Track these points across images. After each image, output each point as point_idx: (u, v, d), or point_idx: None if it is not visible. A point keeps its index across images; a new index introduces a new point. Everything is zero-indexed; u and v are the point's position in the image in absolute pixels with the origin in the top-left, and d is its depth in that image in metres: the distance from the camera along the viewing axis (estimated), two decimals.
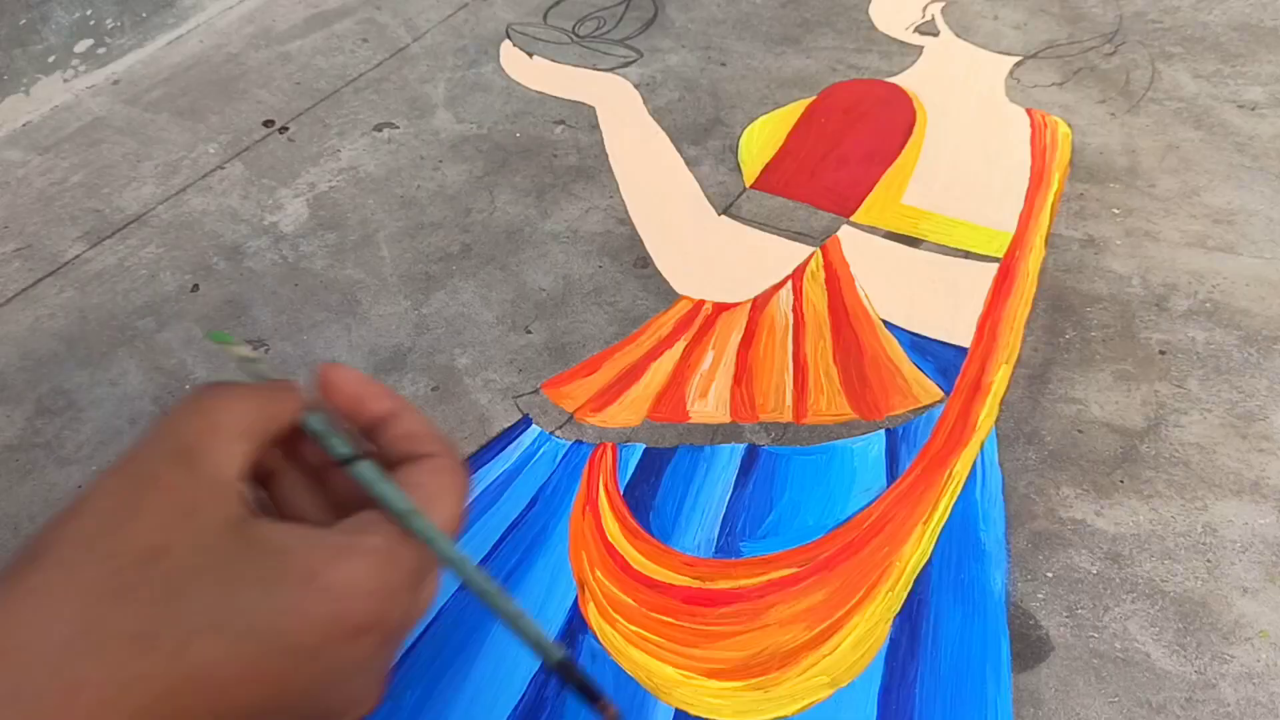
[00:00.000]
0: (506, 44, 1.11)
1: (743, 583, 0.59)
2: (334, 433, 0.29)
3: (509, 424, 0.69)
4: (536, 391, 0.71)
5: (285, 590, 0.25)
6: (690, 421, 0.68)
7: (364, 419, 0.30)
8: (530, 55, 1.09)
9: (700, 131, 0.96)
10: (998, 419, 0.67)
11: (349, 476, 0.28)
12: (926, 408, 0.68)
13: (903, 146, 0.92)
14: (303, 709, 0.26)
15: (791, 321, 0.75)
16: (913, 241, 0.82)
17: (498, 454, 0.66)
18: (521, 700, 0.53)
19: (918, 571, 0.58)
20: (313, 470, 0.30)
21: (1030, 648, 0.55)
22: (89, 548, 0.24)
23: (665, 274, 0.80)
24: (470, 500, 0.28)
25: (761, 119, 0.97)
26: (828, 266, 0.80)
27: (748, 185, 0.89)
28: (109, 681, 0.23)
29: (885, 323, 0.74)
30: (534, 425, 0.68)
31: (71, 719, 0.22)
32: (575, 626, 0.57)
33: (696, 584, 0.59)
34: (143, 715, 0.23)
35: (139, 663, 0.23)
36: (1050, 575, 0.58)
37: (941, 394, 0.69)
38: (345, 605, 0.25)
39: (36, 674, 0.22)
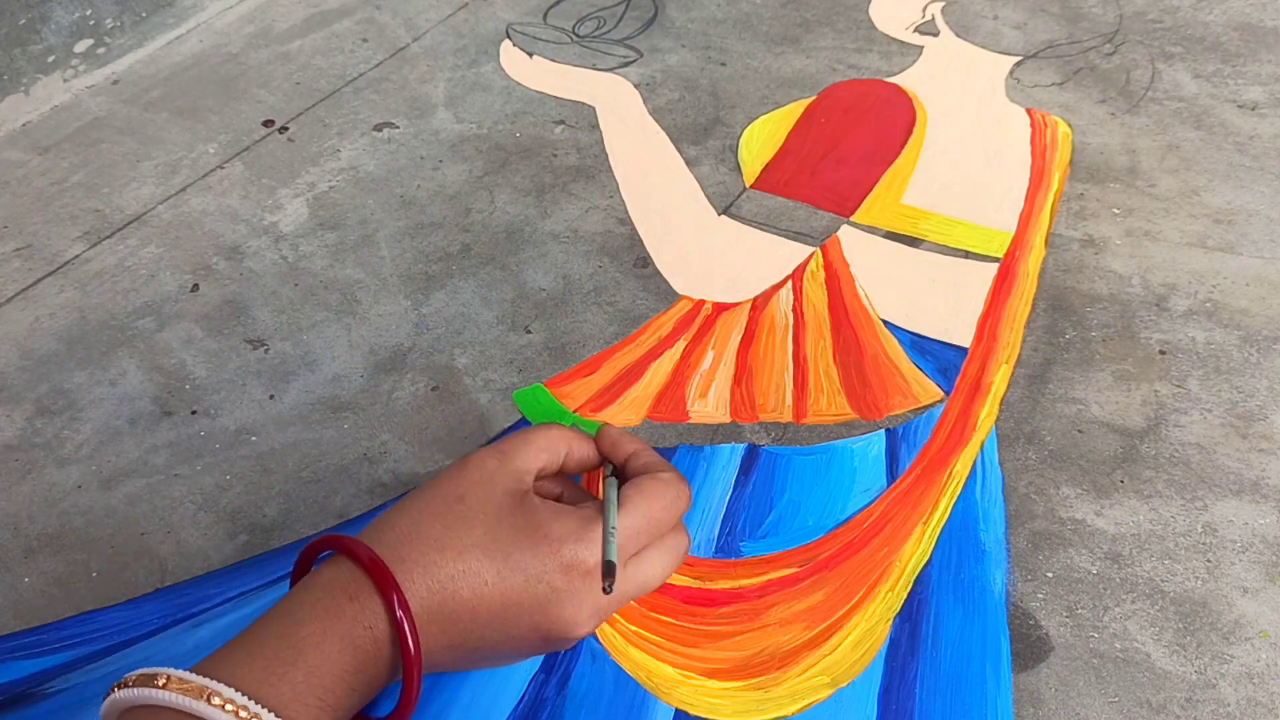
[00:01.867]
0: (506, 44, 1.11)
1: (743, 582, 0.58)
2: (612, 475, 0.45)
3: (509, 424, 0.69)
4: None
5: (524, 534, 0.39)
6: (690, 421, 0.68)
7: (617, 458, 0.46)
8: (530, 55, 1.09)
9: (700, 131, 0.96)
10: (998, 419, 0.67)
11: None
12: (926, 408, 0.68)
13: (903, 146, 0.92)
14: (531, 621, 0.39)
15: (791, 321, 0.75)
16: (913, 241, 0.82)
17: None
18: (521, 700, 0.53)
19: (918, 571, 0.58)
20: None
21: (1030, 648, 0.55)
22: (433, 488, 0.41)
23: (665, 274, 0.80)
24: (687, 508, 0.44)
25: (761, 119, 0.97)
26: (828, 266, 0.80)
27: (747, 185, 0.89)
28: (417, 560, 0.38)
29: (885, 322, 0.74)
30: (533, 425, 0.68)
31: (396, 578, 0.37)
32: None
33: (696, 584, 0.59)
34: (435, 589, 0.38)
35: (435, 555, 0.38)
36: (1050, 575, 0.58)
37: (941, 394, 0.69)
38: (558, 544, 0.39)
39: (390, 547, 0.38)
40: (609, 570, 0.38)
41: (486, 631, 0.38)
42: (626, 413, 0.69)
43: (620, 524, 0.40)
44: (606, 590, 0.38)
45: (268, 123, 1.00)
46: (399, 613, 0.36)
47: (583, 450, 0.45)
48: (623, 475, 0.45)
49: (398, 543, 0.38)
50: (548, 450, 0.43)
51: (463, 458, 0.41)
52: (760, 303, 0.77)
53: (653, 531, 0.41)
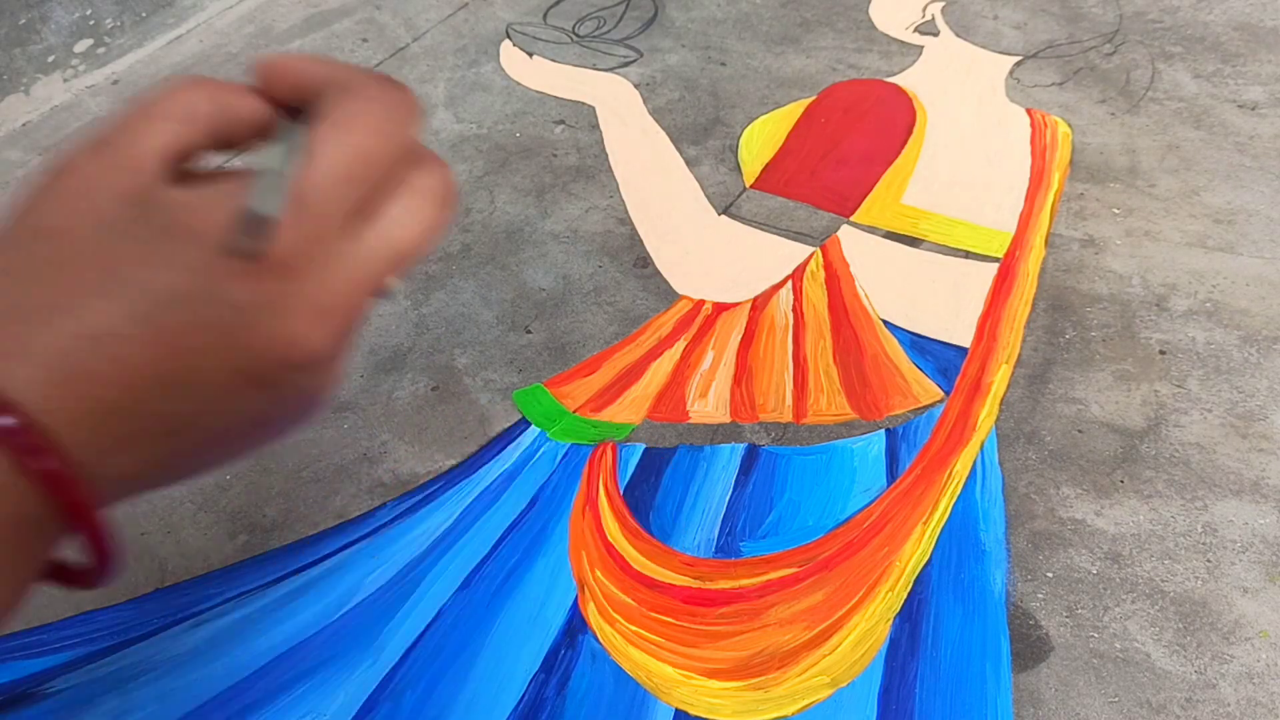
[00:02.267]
0: (506, 44, 1.11)
1: (742, 582, 0.58)
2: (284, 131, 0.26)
3: (509, 424, 0.69)
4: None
5: (172, 243, 0.24)
6: (690, 421, 0.68)
7: (308, 84, 0.28)
8: (530, 55, 1.09)
9: (700, 131, 0.96)
10: (998, 419, 0.67)
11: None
12: (926, 407, 0.68)
13: (903, 146, 0.92)
14: (234, 360, 0.25)
15: (791, 321, 0.75)
16: (913, 241, 0.82)
17: (497, 454, 0.66)
18: (521, 700, 0.53)
19: (918, 571, 0.58)
20: None
21: (1030, 648, 0.55)
22: (7, 228, 0.24)
23: (665, 274, 0.80)
24: (414, 122, 0.27)
25: (761, 119, 0.97)
26: (828, 266, 0.80)
27: (748, 185, 0.89)
28: (12, 346, 0.23)
29: (885, 322, 0.74)
30: (533, 425, 0.68)
31: None
32: (575, 626, 0.57)
33: (696, 584, 0.59)
34: (56, 378, 0.23)
35: (36, 331, 0.23)
36: (1050, 575, 0.58)
37: (941, 394, 0.69)
38: (203, 237, 0.24)
39: None
40: (254, 224, 0.23)
41: (166, 407, 0.24)
42: (626, 413, 0.69)
43: (305, 169, 0.24)
44: (256, 250, 0.23)
45: None
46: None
47: (243, 102, 0.27)
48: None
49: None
50: (177, 118, 0.26)
51: (55, 167, 0.25)
52: (760, 303, 0.77)
53: (369, 168, 0.25)
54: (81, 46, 1.05)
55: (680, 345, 0.74)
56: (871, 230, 0.83)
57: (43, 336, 0.23)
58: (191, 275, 0.24)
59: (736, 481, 0.64)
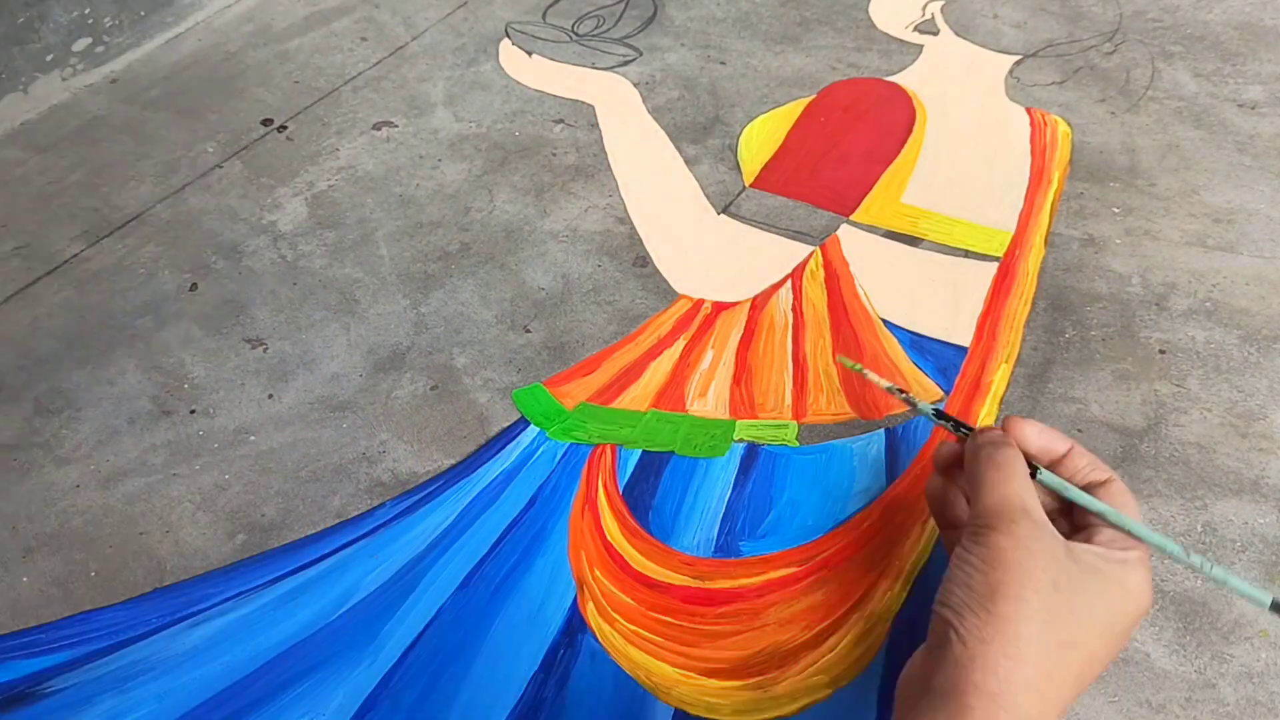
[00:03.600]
0: (505, 42, 1.11)
1: (742, 582, 0.58)
2: (1065, 481, 0.44)
3: (508, 423, 0.68)
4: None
5: (1115, 598, 0.39)
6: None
7: (1052, 458, 0.45)
8: (529, 54, 1.09)
9: (700, 130, 0.96)
10: (997, 418, 0.67)
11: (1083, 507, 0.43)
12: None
13: (902, 145, 0.92)
14: (1109, 662, 0.40)
15: (791, 320, 0.75)
16: (912, 240, 0.82)
17: (497, 453, 0.66)
18: (521, 700, 0.53)
19: (917, 571, 0.58)
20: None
21: None
22: (1028, 584, 0.38)
23: (664, 273, 0.80)
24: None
25: (761, 118, 0.97)
26: (827, 265, 0.80)
27: (747, 184, 0.89)
28: (1062, 670, 0.37)
29: (885, 322, 0.74)
30: (533, 424, 0.68)
31: (1049, 691, 0.36)
32: (575, 626, 0.56)
33: (696, 583, 0.58)
34: (1074, 684, 0.37)
35: (1071, 654, 0.37)
36: None
37: (941, 393, 0.69)
38: (1139, 600, 0.40)
39: (1030, 665, 0.37)
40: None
41: (1097, 673, 0.41)
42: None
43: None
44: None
45: (266, 121, 1.00)
46: None
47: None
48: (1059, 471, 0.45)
49: (1041, 658, 0.36)
50: (1031, 485, 0.43)
51: (1007, 533, 0.40)
52: (760, 302, 0.77)
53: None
54: (80, 45, 1.05)
55: (680, 344, 0.73)
56: (871, 229, 0.83)
57: (1077, 657, 0.38)
58: (1128, 621, 0.40)
59: (736, 481, 0.64)
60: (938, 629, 0.40)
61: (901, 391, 0.47)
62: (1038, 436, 0.45)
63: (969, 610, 0.39)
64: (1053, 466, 0.45)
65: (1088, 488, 0.43)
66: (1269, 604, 0.40)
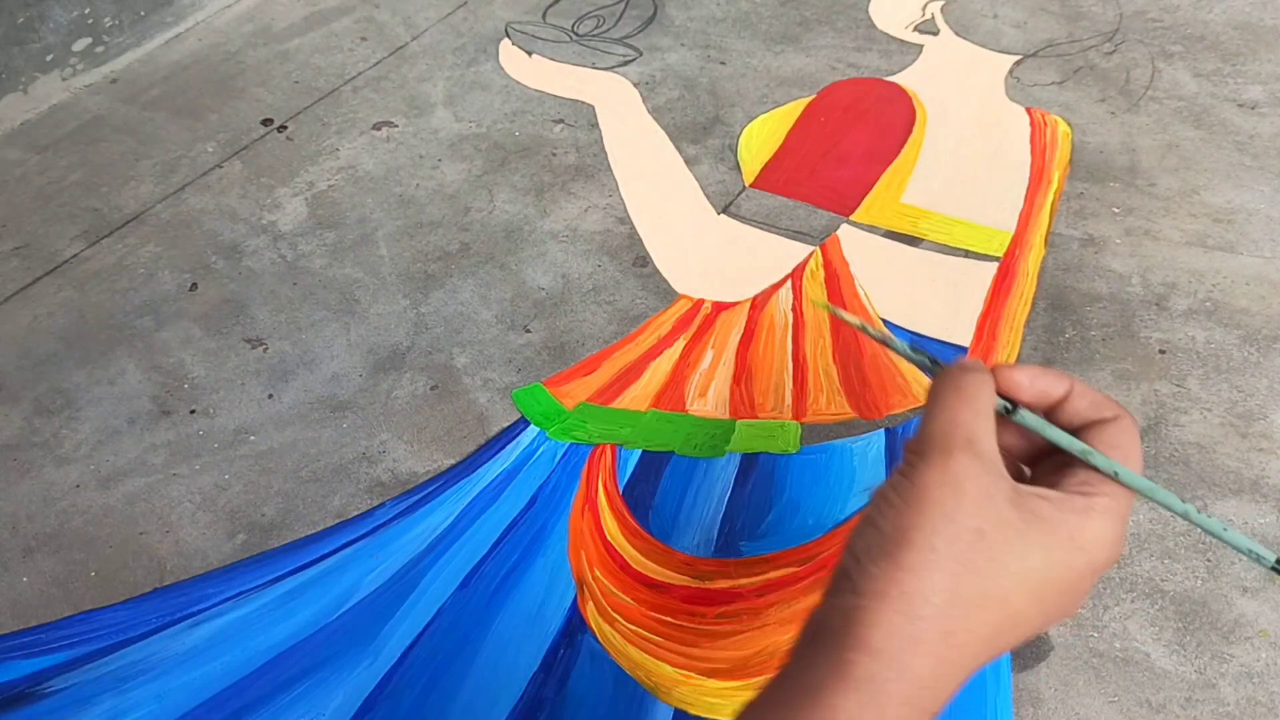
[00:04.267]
0: (505, 42, 1.11)
1: (742, 582, 0.58)
2: (1045, 421, 0.37)
3: (508, 423, 0.68)
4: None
5: (1058, 549, 0.34)
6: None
7: (1049, 401, 0.38)
8: (529, 54, 1.09)
9: (700, 130, 0.96)
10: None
11: (1058, 449, 0.36)
12: (926, 407, 0.68)
13: (902, 145, 0.92)
14: (1048, 622, 0.34)
15: (791, 320, 0.75)
16: (912, 240, 0.81)
17: (497, 453, 0.66)
18: (521, 699, 0.53)
19: None
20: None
21: (1030, 647, 0.55)
22: (943, 532, 0.33)
23: (664, 273, 0.80)
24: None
25: (761, 118, 0.97)
26: (827, 265, 0.80)
27: (747, 184, 0.89)
28: (967, 630, 0.32)
29: (885, 322, 0.74)
30: (533, 424, 0.68)
31: (947, 652, 0.32)
32: (574, 625, 0.56)
33: (696, 583, 0.58)
34: (984, 647, 0.33)
35: (982, 615, 0.32)
36: None
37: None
38: (1094, 554, 0.34)
39: (926, 622, 0.32)
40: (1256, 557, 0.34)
41: (1011, 646, 0.35)
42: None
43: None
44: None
45: (266, 121, 1.00)
46: None
47: (992, 392, 0.38)
48: (1059, 419, 0.38)
49: (941, 617, 0.32)
50: (989, 416, 0.36)
51: (938, 466, 0.34)
52: (760, 302, 0.77)
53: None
54: (80, 45, 1.05)
55: (680, 344, 0.73)
56: (871, 229, 0.83)
57: (988, 623, 0.33)
58: (1074, 576, 0.34)
59: (736, 481, 0.64)
60: (838, 571, 0.35)
61: (870, 327, 0.39)
62: (1031, 382, 0.39)
63: (869, 557, 0.34)
64: (1051, 412, 0.39)
65: (1085, 428, 0.37)
66: (1273, 562, 0.35)
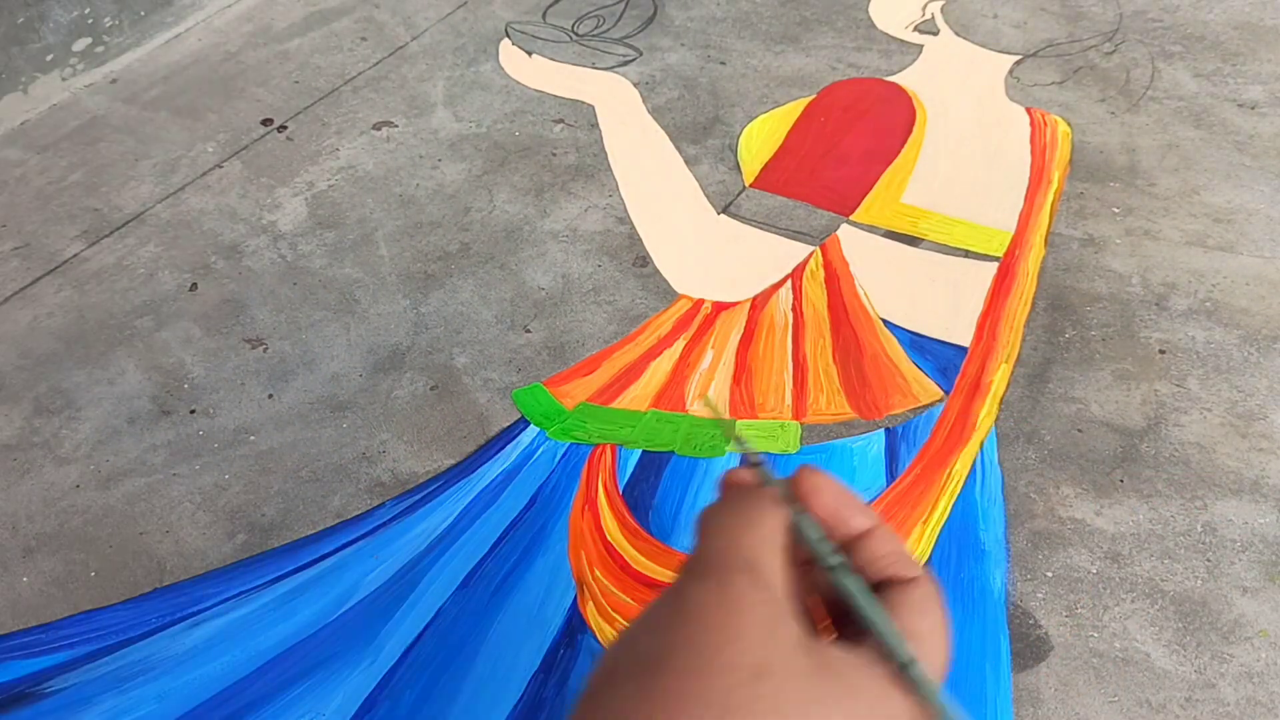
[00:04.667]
0: (505, 42, 1.11)
1: None
2: (825, 542, 0.30)
3: (508, 423, 0.68)
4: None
5: (858, 713, 0.27)
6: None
7: (842, 533, 0.31)
8: (529, 54, 1.09)
9: (700, 130, 0.96)
10: (997, 418, 0.67)
11: (832, 580, 0.30)
12: (926, 407, 0.68)
13: (902, 145, 0.92)
14: None
15: (791, 320, 0.75)
16: (912, 240, 0.81)
17: (497, 453, 0.66)
18: (521, 699, 0.53)
19: None
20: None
21: (1030, 647, 0.55)
22: (708, 661, 0.26)
23: (664, 273, 0.80)
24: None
25: (761, 118, 0.97)
26: (827, 265, 0.80)
27: (747, 184, 0.89)
28: None
29: (885, 322, 0.74)
30: (533, 424, 0.68)
31: None
32: (574, 625, 0.56)
33: None
34: None
35: None
36: (1050, 575, 0.58)
37: (941, 393, 0.69)
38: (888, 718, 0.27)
39: None
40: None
41: None
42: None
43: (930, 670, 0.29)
44: None
45: (266, 121, 1.00)
46: None
47: (785, 515, 0.31)
48: (850, 557, 0.31)
49: None
50: (782, 548, 0.30)
51: (714, 588, 0.28)
52: (760, 302, 0.77)
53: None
54: (80, 45, 1.05)
55: (680, 344, 0.73)
56: (871, 229, 0.83)
57: None
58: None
59: None
60: (587, 686, 0.28)
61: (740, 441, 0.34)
62: (834, 498, 0.32)
63: (619, 679, 0.28)
64: (844, 546, 0.31)
65: (885, 584, 0.30)
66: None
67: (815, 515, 0.31)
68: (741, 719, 0.26)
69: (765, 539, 0.30)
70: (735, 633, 0.27)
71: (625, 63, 1.06)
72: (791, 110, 0.98)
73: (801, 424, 0.67)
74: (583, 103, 1.00)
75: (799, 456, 0.65)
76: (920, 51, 1.06)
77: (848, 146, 0.92)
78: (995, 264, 0.79)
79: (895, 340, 0.73)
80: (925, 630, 0.29)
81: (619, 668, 0.28)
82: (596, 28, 1.12)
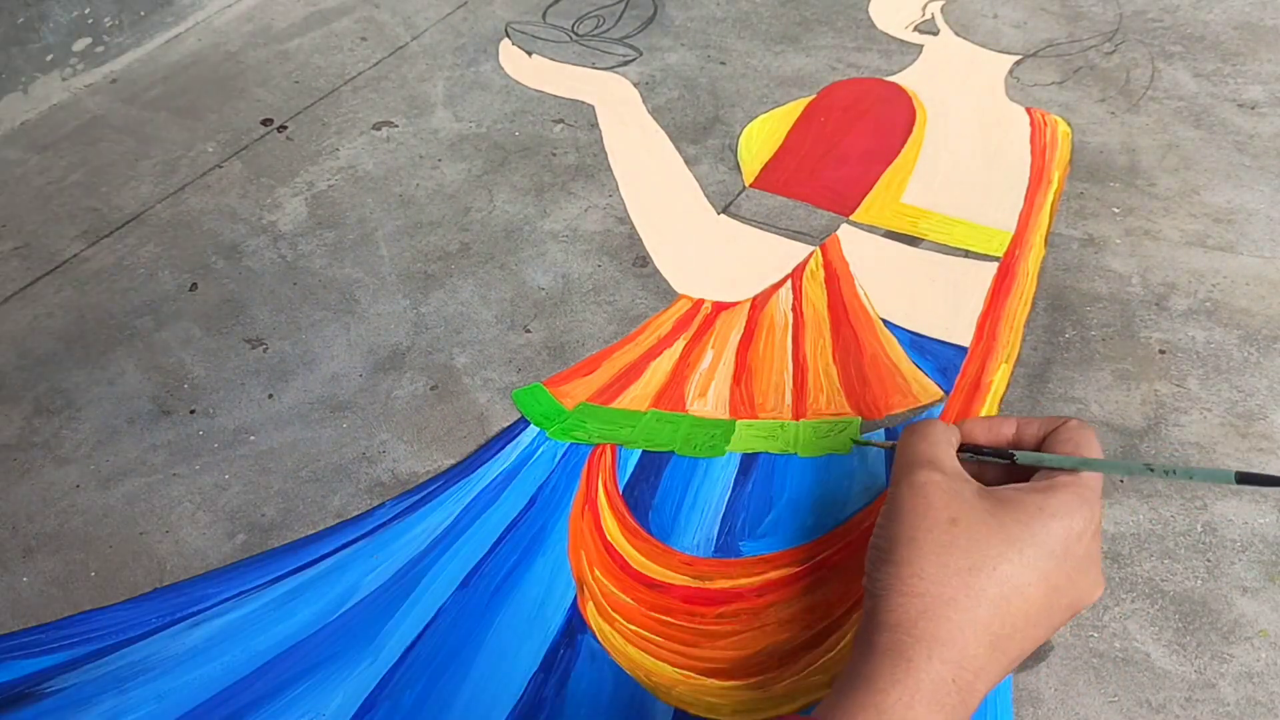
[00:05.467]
0: (505, 42, 1.11)
1: (742, 582, 0.58)
2: (984, 452, 0.48)
3: (508, 423, 0.68)
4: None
5: (1031, 521, 0.40)
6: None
7: (1004, 439, 0.48)
8: (529, 54, 1.09)
9: (699, 130, 0.96)
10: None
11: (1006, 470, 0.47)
12: (926, 407, 0.68)
13: (902, 145, 0.92)
14: (1065, 599, 0.41)
15: (791, 320, 0.75)
16: (912, 240, 0.81)
17: (496, 453, 0.66)
18: (520, 699, 0.53)
19: None
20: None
21: None
22: (919, 525, 0.41)
23: (664, 273, 0.80)
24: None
25: (761, 117, 0.97)
26: (827, 265, 0.80)
27: (747, 184, 0.89)
28: (967, 596, 0.38)
29: (885, 321, 0.74)
30: (532, 424, 0.68)
31: (954, 615, 0.39)
32: (574, 626, 0.56)
33: (695, 583, 0.58)
34: (992, 610, 0.39)
35: (974, 579, 0.39)
36: None
37: (941, 393, 0.69)
38: (1067, 520, 0.40)
39: (927, 597, 0.39)
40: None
41: (1035, 630, 0.40)
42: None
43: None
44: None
45: (266, 121, 1.00)
46: None
47: (953, 435, 0.48)
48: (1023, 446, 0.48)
49: (937, 587, 0.39)
50: (950, 444, 0.46)
51: (906, 485, 0.43)
52: (760, 302, 0.77)
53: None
54: (80, 45, 1.05)
55: (680, 344, 0.73)
56: (871, 229, 0.83)
57: (989, 590, 0.38)
58: (1057, 540, 0.40)
59: (736, 481, 0.64)
60: (864, 585, 0.42)
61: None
62: (986, 431, 0.48)
63: (874, 566, 0.41)
64: (1014, 445, 0.48)
65: (1043, 443, 0.46)
66: (1234, 478, 0.43)
67: (978, 436, 0.48)
68: (949, 553, 0.39)
69: (935, 443, 0.45)
70: (927, 504, 0.41)
71: (625, 63, 1.06)
72: (791, 110, 0.98)
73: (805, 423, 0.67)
74: (583, 103, 1.00)
75: (798, 456, 0.65)
76: (920, 51, 1.06)
77: (848, 146, 0.92)
78: (995, 264, 0.79)
79: (895, 340, 0.73)
80: (1079, 439, 0.45)
81: (873, 560, 0.42)
82: (596, 28, 1.12)
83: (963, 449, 0.47)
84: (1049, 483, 0.42)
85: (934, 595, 0.38)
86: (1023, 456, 0.45)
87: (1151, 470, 0.43)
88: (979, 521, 0.40)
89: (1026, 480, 0.45)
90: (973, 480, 0.43)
